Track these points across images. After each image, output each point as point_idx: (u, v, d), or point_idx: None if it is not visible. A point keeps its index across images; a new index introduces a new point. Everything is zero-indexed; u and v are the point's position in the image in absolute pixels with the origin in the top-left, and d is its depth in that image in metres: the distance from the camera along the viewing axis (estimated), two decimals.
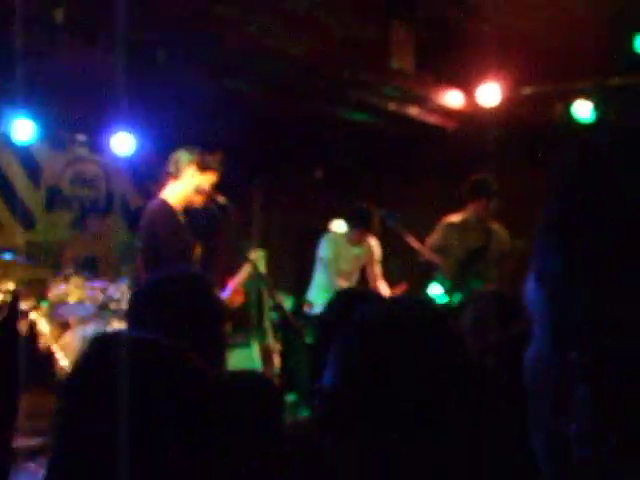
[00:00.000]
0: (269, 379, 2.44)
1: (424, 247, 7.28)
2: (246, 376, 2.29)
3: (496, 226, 7.43)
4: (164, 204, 5.31)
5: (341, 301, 2.67)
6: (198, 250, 5.27)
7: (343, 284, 7.39)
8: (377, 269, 7.67)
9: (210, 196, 5.32)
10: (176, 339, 2.49)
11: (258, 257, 5.89)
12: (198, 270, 4.78)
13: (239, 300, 5.68)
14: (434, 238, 7.35)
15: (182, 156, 5.32)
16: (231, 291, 5.62)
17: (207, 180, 5.28)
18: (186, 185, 5.28)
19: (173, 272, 2.99)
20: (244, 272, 5.63)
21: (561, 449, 0.67)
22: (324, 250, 7.56)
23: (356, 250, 7.58)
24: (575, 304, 0.66)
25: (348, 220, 7.55)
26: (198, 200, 5.30)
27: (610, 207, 0.64)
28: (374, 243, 7.63)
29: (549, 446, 0.69)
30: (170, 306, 2.56)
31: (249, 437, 2.11)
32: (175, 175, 5.30)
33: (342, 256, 7.54)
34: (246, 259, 5.32)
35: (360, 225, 7.40)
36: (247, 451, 2.08)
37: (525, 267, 0.79)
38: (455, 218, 7.35)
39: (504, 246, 7.35)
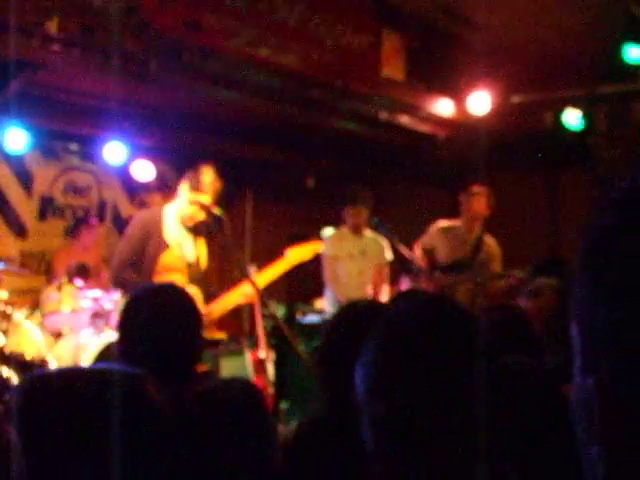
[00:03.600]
0: (254, 385, 2.47)
1: (415, 255, 7.27)
2: (230, 383, 2.34)
3: (489, 240, 7.40)
4: (139, 215, 5.67)
5: (348, 318, 2.53)
6: (173, 259, 5.35)
7: (347, 285, 7.26)
8: (384, 271, 7.46)
9: (205, 208, 5.40)
10: (159, 351, 2.58)
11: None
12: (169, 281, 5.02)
13: (217, 313, 5.70)
14: (424, 239, 7.39)
15: (188, 172, 5.50)
16: (218, 303, 5.66)
17: (199, 199, 5.40)
18: (180, 201, 5.45)
19: (150, 285, 3.11)
20: (241, 293, 5.66)
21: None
22: (326, 246, 7.25)
23: (362, 244, 7.36)
24: (597, 322, 0.67)
25: (339, 201, 7.36)
26: (196, 214, 5.43)
27: None
28: (384, 243, 7.41)
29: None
30: (147, 317, 2.66)
31: (236, 440, 2.15)
32: (174, 190, 5.53)
33: (346, 253, 7.32)
34: (245, 276, 5.37)
35: (346, 201, 7.24)
36: (236, 457, 2.12)
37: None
38: (445, 223, 7.38)
39: (493, 260, 7.33)
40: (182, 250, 5.41)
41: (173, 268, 5.33)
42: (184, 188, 5.42)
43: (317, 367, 2.46)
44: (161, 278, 5.20)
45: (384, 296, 7.39)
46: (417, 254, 7.28)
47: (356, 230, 7.35)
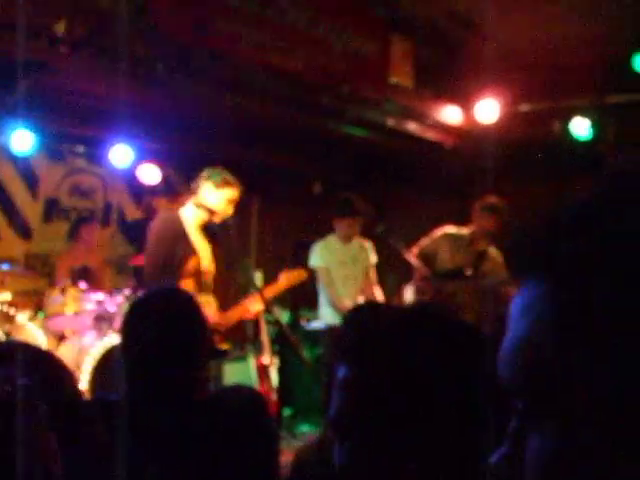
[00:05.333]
0: (258, 393, 2.44)
1: (418, 259, 7.14)
2: (235, 391, 2.31)
3: (494, 252, 7.12)
4: (164, 216, 5.49)
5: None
6: (195, 264, 5.27)
7: (344, 293, 7.23)
8: (372, 273, 7.48)
9: (211, 211, 5.37)
10: (160, 353, 2.54)
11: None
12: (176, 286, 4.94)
13: (225, 325, 5.65)
14: (425, 242, 7.21)
15: (204, 173, 5.44)
16: (227, 315, 5.61)
17: (223, 196, 5.33)
18: (201, 201, 5.37)
19: (155, 289, 3.08)
20: (252, 307, 5.62)
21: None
22: (313, 259, 7.35)
23: (351, 251, 7.36)
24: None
25: (334, 212, 7.34)
26: (227, 209, 5.40)
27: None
28: (368, 246, 7.47)
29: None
30: (150, 322, 2.62)
31: (239, 448, 2.12)
32: (194, 191, 5.40)
33: (337, 261, 7.32)
34: (254, 288, 5.35)
35: (345, 212, 7.24)
36: (240, 464, 2.09)
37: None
38: (452, 230, 7.21)
39: (496, 273, 6.96)
40: (201, 256, 5.36)
41: (191, 274, 5.27)
42: (208, 187, 5.35)
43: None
44: (180, 284, 5.11)
45: (378, 297, 7.38)
46: (413, 257, 7.14)
47: (347, 240, 7.35)
